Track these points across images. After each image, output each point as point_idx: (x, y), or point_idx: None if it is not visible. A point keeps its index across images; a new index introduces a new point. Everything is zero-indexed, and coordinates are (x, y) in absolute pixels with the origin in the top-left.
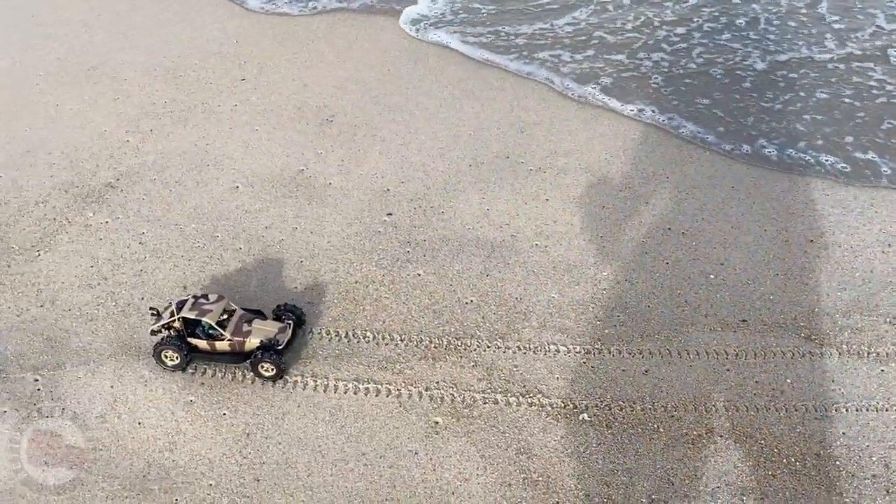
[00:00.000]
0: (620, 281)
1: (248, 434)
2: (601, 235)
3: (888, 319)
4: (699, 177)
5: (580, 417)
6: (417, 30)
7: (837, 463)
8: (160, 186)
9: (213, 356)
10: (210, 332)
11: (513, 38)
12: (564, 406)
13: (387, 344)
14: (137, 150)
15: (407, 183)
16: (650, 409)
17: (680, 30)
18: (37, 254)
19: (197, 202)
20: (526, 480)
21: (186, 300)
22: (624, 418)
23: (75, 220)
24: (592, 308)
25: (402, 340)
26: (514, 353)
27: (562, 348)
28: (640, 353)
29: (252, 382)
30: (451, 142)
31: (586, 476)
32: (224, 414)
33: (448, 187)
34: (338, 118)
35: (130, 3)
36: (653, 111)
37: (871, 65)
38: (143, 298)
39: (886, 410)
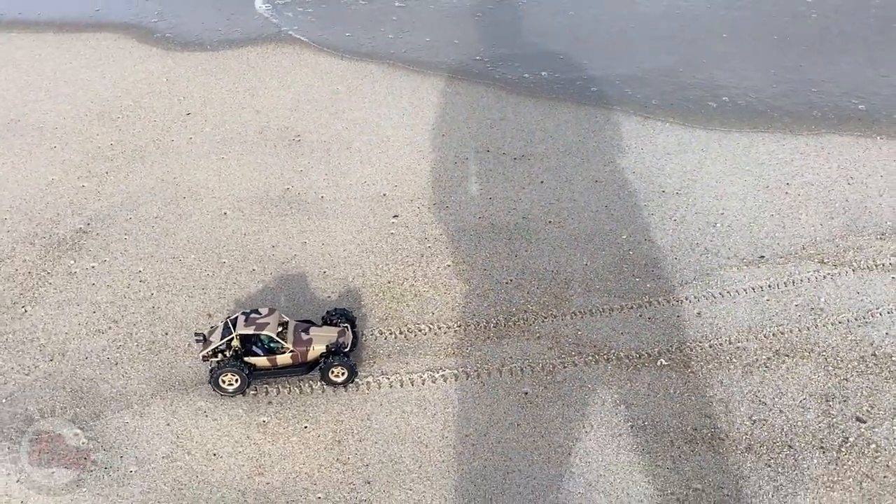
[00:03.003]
0: (641, 241)
1: (339, 441)
2: (606, 205)
3: (878, 235)
4: (669, 145)
5: (658, 363)
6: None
7: (894, 358)
8: (140, 224)
9: (275, 372)
10: (271, 345)
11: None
12: (639, 356)
13: (445, 332)
14: (98, 193)
15: (401, 186)
16: (717, 343)
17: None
18: (22, 310)
19: (188, 234)
20: (634, 428)
21: (237, 317)
22: (697, 356)
23: (55, 271)
24: (626, 267)
25: (459, 326)
26: (572, 318)
27: (615, 307)
28: (686, 299)
29: (322, 392)
30: (428, 144)
31: (686, 413)
32: (306, 427)
33: (442, 184)
34: (305, 137)
35: (32, 55)
36: (603, 95)
37: None
38: (167, 333)
39: None
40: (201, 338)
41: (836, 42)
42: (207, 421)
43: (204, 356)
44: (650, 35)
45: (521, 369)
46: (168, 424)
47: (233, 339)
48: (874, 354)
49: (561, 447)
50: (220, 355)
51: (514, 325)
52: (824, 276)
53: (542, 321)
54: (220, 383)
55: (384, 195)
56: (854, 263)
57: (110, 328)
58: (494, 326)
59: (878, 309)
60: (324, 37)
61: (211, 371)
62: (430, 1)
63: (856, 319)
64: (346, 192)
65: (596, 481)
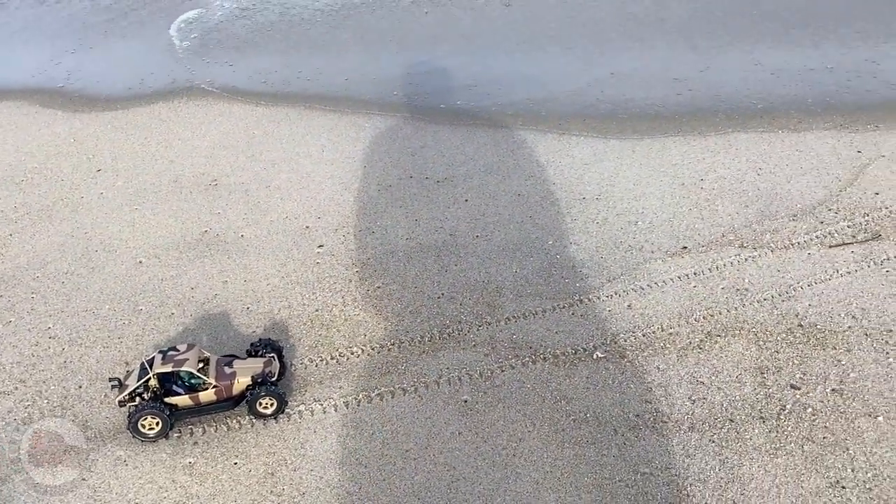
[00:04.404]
0: (567, 245)
1: (272, 473)
2: (530, 216)
3: (791, 217)
4: (586, 155)
5: (594, 356)
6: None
7: (818, 326)
8: (48, 282)
9: (199, 410)
10: (192, 381)
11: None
12: (575, 352)
13: (378, 352)
14: (2, 255)
15: (324, 217)
16: (650, 332)
17: None
18: None
19: (101, 285)
20: (576, 421)
21: (154, 357)
22: (632, 346)
23: None
24: (555, 271)
25: (392, 345)
26: (506, 323)
27: (547, 308)
28: (616, 294)
29: (252, 426)
30: (350, 176)
31: (626, 401)
32: (235, 463)
33: (367, 211)
34: (222, 180)
35: None
36: (518, 117)
37: None
38: (80, 387)
39: (829, 279)
40: (116, 382)
41: (728, 49)
42: (128, 469)
43: (120, 401)
44: (555, 60)
45: (459, 378)
46: (84, 479)
47: (150, 379)
48: (800, 325)
49: (505, 449)
50: (137, 398)
51: (449, 336)
52: (746, 259)
53: (477, 329)
54: (140, 428)
55: (307, 227)
56: (772, 244)
57: (17, 388)
58: (429, 340)
59: (798, 283)
60: (238, 86)
61: (129, 416)
62: (348, 42)
63: (779, 295)
64: (266, 228)
65: (543, 479)
